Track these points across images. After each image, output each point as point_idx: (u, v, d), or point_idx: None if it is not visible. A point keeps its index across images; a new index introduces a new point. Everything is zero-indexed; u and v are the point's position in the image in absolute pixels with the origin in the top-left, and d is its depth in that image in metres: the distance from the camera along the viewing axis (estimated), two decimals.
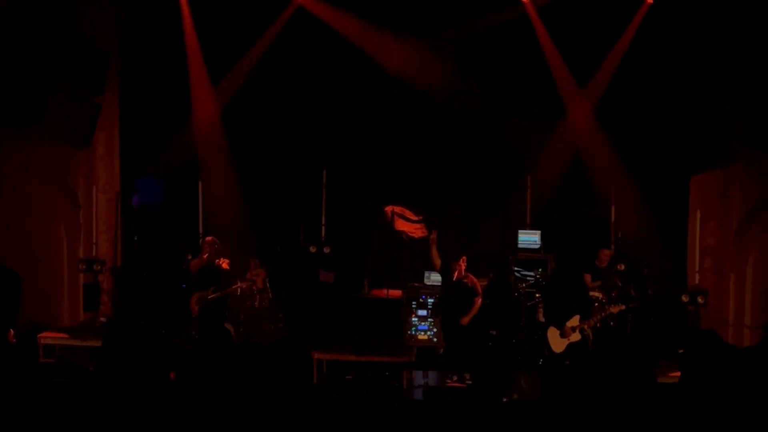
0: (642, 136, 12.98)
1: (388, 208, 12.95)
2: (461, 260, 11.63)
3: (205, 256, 12.31)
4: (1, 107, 11.74)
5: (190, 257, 12.57)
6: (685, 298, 11.72)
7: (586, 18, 12.95)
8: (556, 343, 11.54)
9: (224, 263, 12.31)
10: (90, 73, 11.87)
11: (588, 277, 12.11)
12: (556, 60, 13.50)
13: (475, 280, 11.78)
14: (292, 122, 14.04)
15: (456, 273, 11.65)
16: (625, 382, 4.04)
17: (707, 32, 11.73)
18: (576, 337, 11.41)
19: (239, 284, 12.43)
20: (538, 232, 13.50)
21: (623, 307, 11.46)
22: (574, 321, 11.41)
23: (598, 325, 11.43)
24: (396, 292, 13.09)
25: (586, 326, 11.38)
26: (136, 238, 14.03)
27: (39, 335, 11.52)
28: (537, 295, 12.48)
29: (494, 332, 13.05)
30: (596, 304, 11.64)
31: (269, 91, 14.25)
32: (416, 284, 12.59)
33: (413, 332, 12.03)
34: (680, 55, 12.35)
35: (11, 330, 4.32)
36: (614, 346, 4.11)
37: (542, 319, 12.30)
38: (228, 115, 14.43)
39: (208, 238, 12.52)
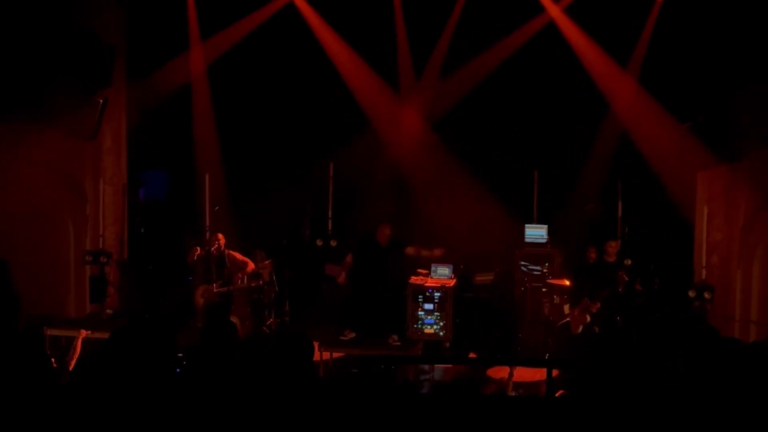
0: (647, 131, 12.97)
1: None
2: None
3: (212, 249, 12.35)
4: (7, 101, 11.75)
5: (198, 250, 12.60)
6: (691, 294, 11.68)
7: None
8: (574, 326, 11.50)
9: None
10: (96, 66, 11.86)
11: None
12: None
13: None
14: (299, 114, 14.09)
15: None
16: (629, 378, 4.03)
17: (716, 27, 11.71)
18: (584, 319, 11.33)
19: (246, 280, 12.45)
20: (545, 226, 13.50)
21: (629, 262, 11.35)
22: (583, 304, 11.34)
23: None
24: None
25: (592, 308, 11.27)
26: (142, 231, 14.07)
27: (45, 327, 11.55)
28: (543, 290, 12.47)
29: (499, 327, 13.06)
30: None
31: (272, 82, 14.33)
32: (422, 278, 12.57)
33: (419, 326, 12.03)
34: (688, 50, 12.33)
35: None
36: (618, 343, 4.10)
37: (546, 313, 12.28)
38: (231, 107, 14.46)
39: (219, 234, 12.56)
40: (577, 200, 13.96)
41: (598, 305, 11.11)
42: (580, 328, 11.31)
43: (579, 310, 11.15)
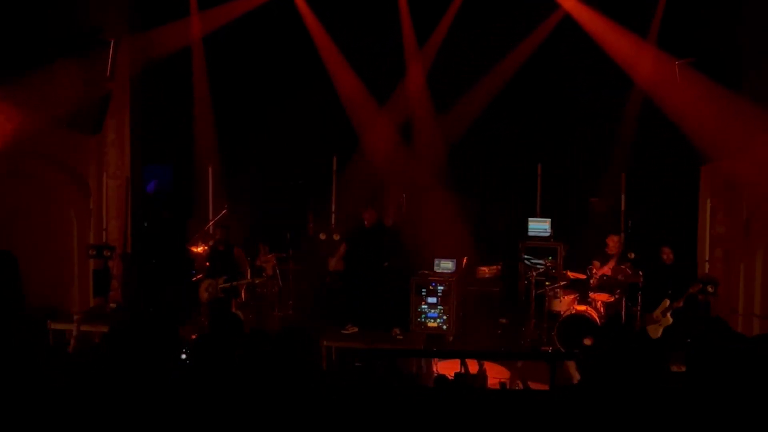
0: (652, 125, 12.94)
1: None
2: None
3: (210, 243, 12.39)
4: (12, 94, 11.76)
5: (201, 244, 12.61)
6: (695, 287, 11.66)
7: None
8: (653, 329, 11.44)
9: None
10: (100, 60, 11.86)
11: (596, 264, 12.11)
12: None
13: None
14: (301, 108, 14.09)
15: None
16: (635, 370, 4.03)
17: (723, 19, 11.69)
18: (667, 321, 11.30)
19: (251, 277, 12.47)
20: (548, 219, 13.52)
21: (700, 286, 11.32)
22: (664, 305, 11.32)
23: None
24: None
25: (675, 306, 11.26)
26: (146, 225, 14.08)
27: (49, 321, 11.56)
28: (547, 283, 12.48)
29: (503, 320, 13.07)
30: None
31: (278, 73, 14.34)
32: (425, 271, 12.57)
33: (422, 319, 12.03)
34: (692, 42, 12.30)
35: None
36: (624, 336, 4.10)
37: (552, 308, 12.28)
38: (232, 100, 14.45)
39: (220, 229, 12.60)
40: (582, 193, 13.97)
41: (681, 303, 11.12)
42: (660, 332, 11.25)
43: (660, 312, 11.12)
